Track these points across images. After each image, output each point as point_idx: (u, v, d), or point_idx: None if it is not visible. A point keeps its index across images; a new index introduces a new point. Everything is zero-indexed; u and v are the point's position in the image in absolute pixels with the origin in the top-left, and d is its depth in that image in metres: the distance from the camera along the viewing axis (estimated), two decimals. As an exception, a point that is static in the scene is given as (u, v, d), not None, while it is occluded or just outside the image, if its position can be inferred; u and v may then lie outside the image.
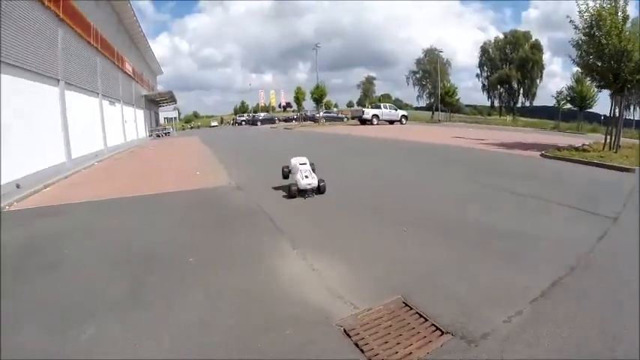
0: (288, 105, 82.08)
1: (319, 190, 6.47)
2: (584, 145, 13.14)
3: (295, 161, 6.77)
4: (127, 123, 25.03)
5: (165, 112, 58.99)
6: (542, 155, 11.17)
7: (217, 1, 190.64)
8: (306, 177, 6.37)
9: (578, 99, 31.20)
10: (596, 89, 30.08)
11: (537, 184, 7.24)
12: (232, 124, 68.11)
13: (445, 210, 5.46)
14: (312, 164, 6.88)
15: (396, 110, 38.17)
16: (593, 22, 10.95)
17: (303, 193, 6.37)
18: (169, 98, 41.09)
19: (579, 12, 11.19)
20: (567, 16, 11.81)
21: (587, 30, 11.19)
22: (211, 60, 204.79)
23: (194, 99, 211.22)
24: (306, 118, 52.35)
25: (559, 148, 11.76)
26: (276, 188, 7.22)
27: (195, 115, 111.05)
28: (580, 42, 11.56)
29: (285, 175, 7.05)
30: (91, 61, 16.96)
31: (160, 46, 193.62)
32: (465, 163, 10.17)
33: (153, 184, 8.67)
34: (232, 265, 3.83)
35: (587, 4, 11.01)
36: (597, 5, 10.87)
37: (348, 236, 4.53)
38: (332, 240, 4.43)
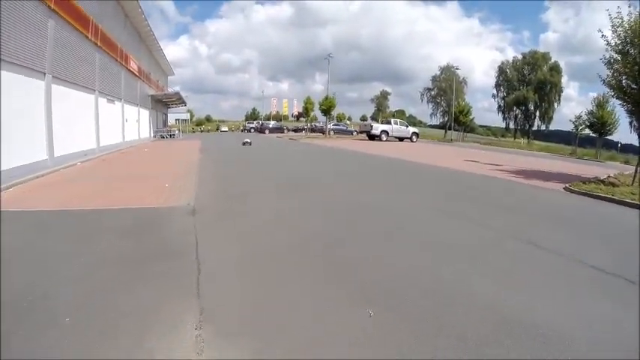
0: (301, 115, 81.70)
1: None
2: (609, 177, 11.85)
3: None
4: (128, 122, 24.29)
5: (177, 114, 58.94)
6: (565, 189, 9.86)
7: (242, 1, 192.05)
8: None
9: (599, 125, 29.83)
10: (617, 114, 28.98)
11: (567, 233, 5.78)
12: (242, 130, 67.72)
13: (440, 279, 3.72)
14: None
15: (407, 127, 36.96)
16: (628, 39, 9.78)
17: None
18: (177, 100, 40.56)
19: (612, 26, 10.04)
20: (599, 30, 10.67)
21: (620, 47, 10.00)
22: (229, 65, 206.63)
23: (210, 102, 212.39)
24: (314, 130, 51.51)
25: (584, 181, 10.48)
26: (234, 215, 6.16)
27: (207, 119, 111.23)
28: (612, 60, 10.37)
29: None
30: (87, 57, 16.18)
31: (179, 48, 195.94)
32: (476, 197, 8.67)
33: (109, 195, 7.80)
34: (104, 336, 2.68)
35: (621, 19, 9.85)
36: (632, 20, 9.71)
37: (290, 319, 2.93)
38: (262, 319, 2.93)
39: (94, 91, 17.18)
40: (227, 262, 4.10)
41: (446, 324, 2.86)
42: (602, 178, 11.74)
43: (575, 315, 3.11)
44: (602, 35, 10.51)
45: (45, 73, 12.26)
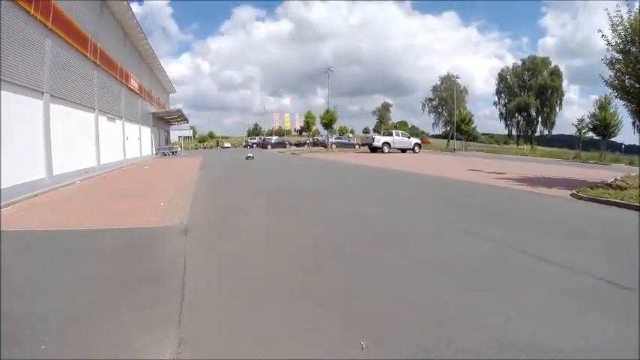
0: (303, 129, 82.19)
1: None
2: (616, 180, 11.54)
3: None
4: (129, 140, 24.33)
5: (180, 131, 59.28)
6: (572, 195, 9.56)
7: (243, 18, 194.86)
8: None
9: (602, 127, 29.59)
10: (620, 116, 28.74)
11: (577, 243, 5.34)
12: (244, 146, 67.99)
13: (440, 302, 3.36)
14: None
15: (409, 138, 36.87)
16: (629, 37, 9.61)
17: None
18: (179, 117, 40.79)
19: (612, 25, 9.90)
20: (599, 30, 10.53)
21: (621, 46, 9.83)
22: (231, 81, 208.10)
23: (214, 119, 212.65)
24: (316, 144, 51.55)
25: (591, 186, 10.18)
26: (227, 236, 5.91)
27: (210, 136, 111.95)
28: (613, 60, 10.19)
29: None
30: (86, 75, 16.26)
31: (182, 66, 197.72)
32: (478, 206, 8.35)
33: (103, 215, 7.64)
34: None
35: (620, 17, 9.71)
36: (632, 18, 9.56)
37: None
38: (241, 355, 2.64)
39: (94, 109, 17.21)
40: (213, 288, 3.83)
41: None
42: (609, 181, 11.43)
43: (592, 342, 2.76)
44: (603, 35, 10.38)
45: (43, 92, 12.26)
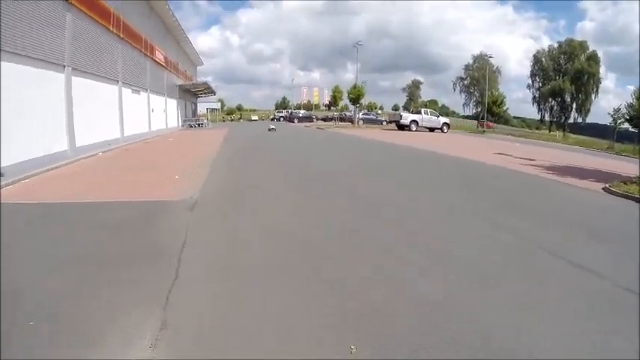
0: (332, 104, 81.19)
1: None
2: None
3: None
4: (155, 112, 24.69)
5: (207, 103, 59.95)
6: (604, 189, 8.97)
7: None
8: None
9: (638, 118, 27.68)
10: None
11: (607, 245, 4.89)
12: (272, 119, 68.02)
13: (444, 306, 3.08)
14: None
15: (438, 117, 35.60)
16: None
17: None
18: (206, 89, 40.99)
19: None
20: None
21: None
22: (260, 54, 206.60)
23: (242, 91, 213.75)
24: (343, 119, 50.88)
25: (624, 181, 9.52)
26: (234, 213, 5.83)
27: (239, 109, 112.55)
28: None
29: None
30: (109, 48, 16.38)
31: (211, 39, 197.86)
32: (504, 197, 7.77)
33: (117, 187, 7.81)
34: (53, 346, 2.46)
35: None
36: None
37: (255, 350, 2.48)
38: (225, 342, 2.56)
39: (117, 81, 17.42)
40: (209, 269, 3.77)
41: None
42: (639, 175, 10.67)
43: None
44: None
45: (65, 66, 12.44)
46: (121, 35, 17.43)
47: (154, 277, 3.50)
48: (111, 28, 16.10)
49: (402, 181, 9.20)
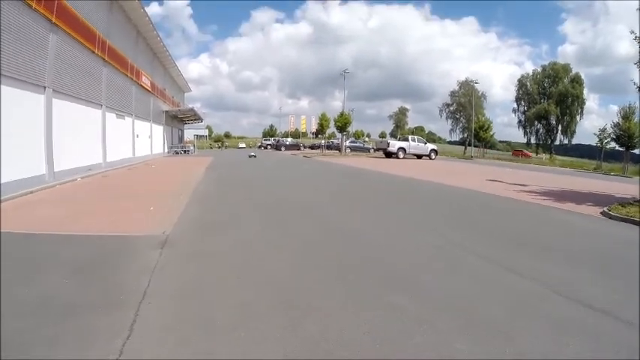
0: (319, 132, 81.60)
1: None
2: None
3: None
4: (139, 138, 24.12)
5: (194, 130, 59.59)
6: (603, 214, 8.62)
7: (262, 20, 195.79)
8: None
9: (625, 137, 28.20)
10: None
11: (619, 280, 4.35)
12: (259, 147, 67.86)
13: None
14: None
15: (425, 144, 35.74)
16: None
17: None
18: (192, 116, 40.68)
19: None
20: (631, 32, 9.63)
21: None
22: (249, 82, 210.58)
23: (231, 119, 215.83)
24: (330, 147, 50.88)
25: (622, 204, 9.24)
26: (207, 253, 5.11)
27: (227, 136, 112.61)
28: None
29: None
30: (93, 71, 15.98)
31: (201, 66, 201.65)
32: (500, 224, 7.46)
33: (87, 218, 7.10)
34: None
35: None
36: None
37: None
38: None
39: (101, 105, 16.93)
40: (169, 326, 3.09)
41: None
42: (638, 197, 10.46)
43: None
44: (636, 37, 9.47)
45: (45, 87, 11.95)
46: (106, 58, 17.09)
47: (107, 332, 2.89)
48: (96, 50, 15.75)
49: (389, 218, 8.39)
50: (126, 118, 21.49)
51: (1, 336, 2.72)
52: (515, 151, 66.10)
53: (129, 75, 21.23)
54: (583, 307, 3.53)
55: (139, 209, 8.00)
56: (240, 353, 2.68)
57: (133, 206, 8.37)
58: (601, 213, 8.66)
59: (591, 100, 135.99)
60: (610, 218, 8.22)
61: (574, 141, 63.76)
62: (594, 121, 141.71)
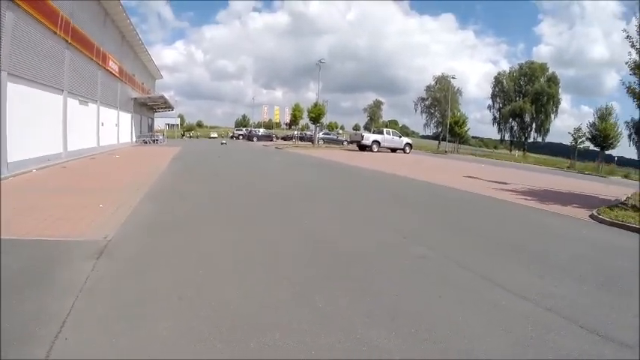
0: (293, 123, 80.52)
1: None
2: (629, 197, 10.68)
3: None
4: (105, 126, 22.67)
5: (166, 118, 57.43)
6: (592, 217, 8.51)
7: (239, 8, 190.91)
8: None
9: (601, 137, 29.13)
10: (619, 127, 28.31)
11: (624, 296, 4.03)
12: (231, 137, 66.24)
13: None
14: None
15: (400, 137, 35.77)
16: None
17: None
18: (163, 103, 38.93)
19: (638, 25, 9.02)
20: (624, 30, 9.67)
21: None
22: (224, 71, 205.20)
23: (205, 107, 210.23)
24: (303, 138, 50.20)
25: (610, 207, 9.22)
26: (151, 264, 4.37)
27: (199, 125, 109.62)
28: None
29: None
30: (55, 54, 14.63)
31: (175, 53, 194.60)
32: (487, 233, 6.75)
33: (26, 217, 6.19)
34: None
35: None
36: None
37: None
38: None
39: (62, 90, 15.60)
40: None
41: None
42: (623, 199, 10.55)
43: None
44: (628, 36, 9.45)
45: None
46: (70, 40, 15.72)
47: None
48: (58, 31, 14.43)
49: (362, 218, 7.65)
50: (90, 104, 20.06)
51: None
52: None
53: (94, 59, 19.74)
54: (594, 335, 3.10)
55: (89, 206, 7.20)
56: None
57: (85, 202, 7.54)
58: (590, 216, 8.58)
59: (564, 101, 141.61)
60: (600, 222, 8.11)
61: (547, 139, 65.92)
62: (566, 120, 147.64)
